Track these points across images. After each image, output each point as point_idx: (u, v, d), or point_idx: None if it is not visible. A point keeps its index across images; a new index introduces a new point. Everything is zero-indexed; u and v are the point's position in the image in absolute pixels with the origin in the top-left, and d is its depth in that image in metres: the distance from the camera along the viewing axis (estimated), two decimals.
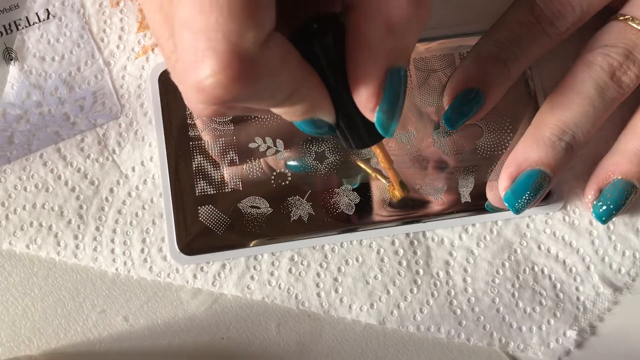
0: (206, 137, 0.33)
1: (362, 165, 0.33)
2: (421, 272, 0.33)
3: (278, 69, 0.20)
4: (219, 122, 0.33)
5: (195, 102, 0.20)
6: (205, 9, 0.18)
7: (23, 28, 0.34)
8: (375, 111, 0.22)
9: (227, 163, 0.33)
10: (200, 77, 0.18)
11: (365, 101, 0.22)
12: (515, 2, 0.32)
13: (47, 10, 0.34)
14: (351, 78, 0.22)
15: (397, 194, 0.31)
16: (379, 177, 0.32)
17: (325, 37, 0.22)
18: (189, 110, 0.33)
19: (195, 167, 0.32)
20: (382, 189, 0.33)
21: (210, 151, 0.32)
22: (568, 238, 0.34)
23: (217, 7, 0.18)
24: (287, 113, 0.22)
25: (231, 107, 0.24)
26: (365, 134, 0.24)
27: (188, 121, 0.33)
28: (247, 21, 0.18)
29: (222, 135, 0.33)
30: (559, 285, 0.33)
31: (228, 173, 0.32)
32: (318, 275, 0.33)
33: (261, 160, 0.33)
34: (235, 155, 0.33)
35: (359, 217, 0.33)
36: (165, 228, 0.32)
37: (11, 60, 0.34)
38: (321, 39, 0.22)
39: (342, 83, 0.22)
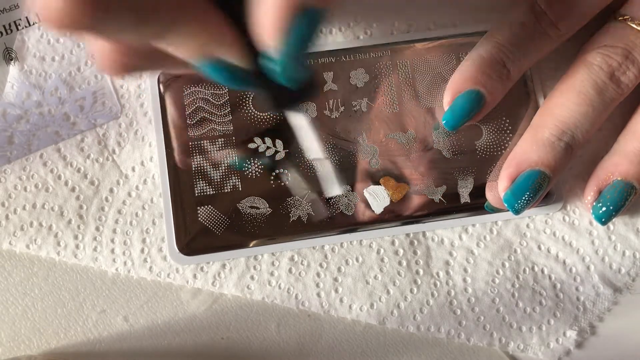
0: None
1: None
2: (421, 272, 0.33)
3: None
4: (218, 122, 0.33)
5: (52, 29, 0.18)
6: None
7: (23, 28, 0.34)
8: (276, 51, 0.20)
9: (226, 163, 0.33)
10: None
11: (265, 38, 0.20)
12: (517, 3, 0.32)
13: None
14: (256, 13, 0.20)
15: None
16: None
17: None
18: (189, 110, 0.33)
19: (194, 167, 0.32)
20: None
21: (209, 151, 0.32)
22: (568, 238, 0.34)
23: None
24: (179, 48, 0.21)
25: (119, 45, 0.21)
26: (285, 91, 0.22)
27: (188, 121, 0.33)
28: None
29: (221, 135, 0.33)
30: (559, 285, 0.33)
31: (227, 173, 0.32)
32: (318, 275, 0.33)
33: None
34: (235, 155, 0.33)
35: (359, 217, 0.33)
36: (165, 228, 0.32)
37: (11, 60, 0.34)
38: None
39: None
